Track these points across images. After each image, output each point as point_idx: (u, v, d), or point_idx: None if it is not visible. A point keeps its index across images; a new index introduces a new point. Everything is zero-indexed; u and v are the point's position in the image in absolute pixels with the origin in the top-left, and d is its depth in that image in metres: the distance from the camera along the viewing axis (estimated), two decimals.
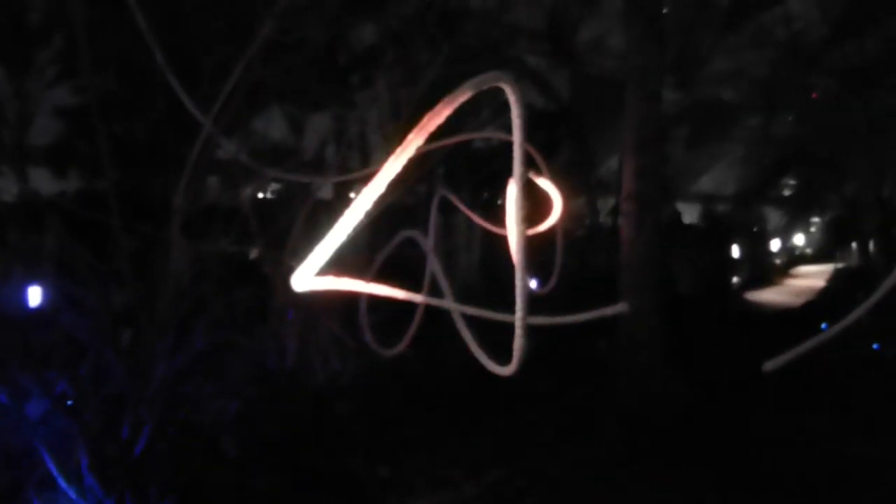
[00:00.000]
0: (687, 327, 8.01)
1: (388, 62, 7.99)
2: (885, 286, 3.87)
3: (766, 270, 13.88)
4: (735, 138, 13.96)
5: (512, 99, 1.85)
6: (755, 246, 14.17)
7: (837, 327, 3.94)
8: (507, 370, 2.14)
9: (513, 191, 2.33)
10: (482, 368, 2.27)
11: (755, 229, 14.55)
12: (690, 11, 11.15)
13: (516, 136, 1.87)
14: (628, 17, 7.10)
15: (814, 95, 11.60)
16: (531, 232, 3.66)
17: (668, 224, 11.43)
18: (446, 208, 5.49)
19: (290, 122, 7.70)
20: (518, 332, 1.99)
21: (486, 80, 1.79)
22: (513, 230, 2.28)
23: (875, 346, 8.48)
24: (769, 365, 3.90)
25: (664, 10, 8.41)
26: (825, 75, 11.04)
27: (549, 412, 6.84)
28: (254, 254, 6.34)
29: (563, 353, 6.93)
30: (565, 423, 6.60)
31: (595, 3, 10.65)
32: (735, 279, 13.50)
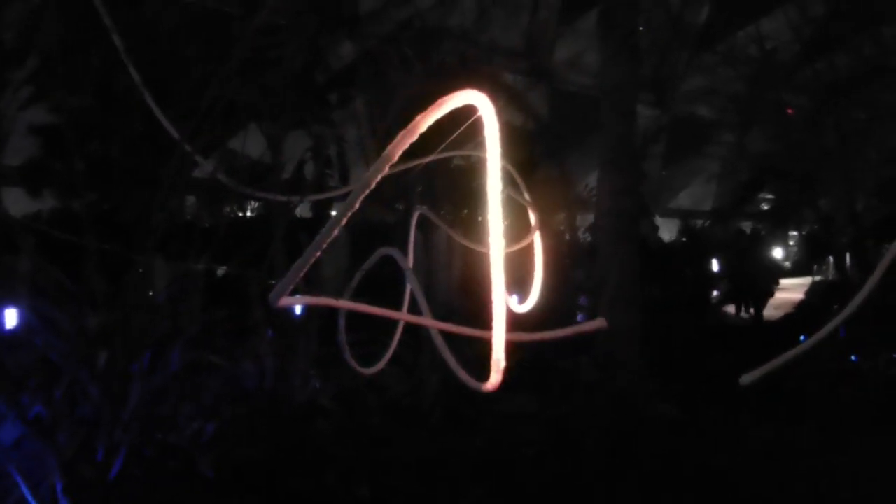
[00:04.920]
0: (665, 342, 8.05)
1: (366, 81, 8.02)
2: (857, 299, 3.90)
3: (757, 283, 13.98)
4: (711, 155, 14.14)
5: (485, 117, 1.87)
6: (740, 260, 14.28)
7: (812, 340, 3.96)
8: (485, 387, 2.14)
9: (489, 208, 2.34)
10: (463, 386, 2.27)
11: (737, 244, 14.68)
12: (665, 30, 11.30)
13: (490, 154, 1.89)
14: (602, 36, 7.18)
15: (789, 111, 11.77)
16: (510, 249, 3.67)
17: (646, 239, 11.51)
18: (426, 226, 5.49)
19: (268, 140, 7.69)
20: (495, 349, 1.99)
21: (459, 98, 1.81)
22: (490, 247, 2.29)
23: (853, 357, 8.56)
24: (745, 378, 3.92)
25: (639, 29, 8.52)
26: (798, 92, 11.22)
27: (529, 430, 6.81)
28: (221, 272, 6.29)
29: (545, 370, 6.93)
30: (547, 441, 6.58)
31: (571, 22, 10.77)
32: (715, 293, 13.62)
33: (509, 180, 4.75)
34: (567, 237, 9.90)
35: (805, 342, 3.85)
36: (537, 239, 3.98)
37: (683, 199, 15.95)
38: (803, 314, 11.17)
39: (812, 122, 10.99)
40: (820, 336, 3.88)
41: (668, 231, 15.44)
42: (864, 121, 10.94)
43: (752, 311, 13.19)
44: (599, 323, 4.38)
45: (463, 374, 2.42)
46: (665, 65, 12.06)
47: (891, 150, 10.67)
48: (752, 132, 12.72)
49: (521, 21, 11.68)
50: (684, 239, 14.34)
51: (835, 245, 12.43)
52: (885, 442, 6.60)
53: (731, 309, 13.79)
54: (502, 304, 1.99)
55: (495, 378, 2.07)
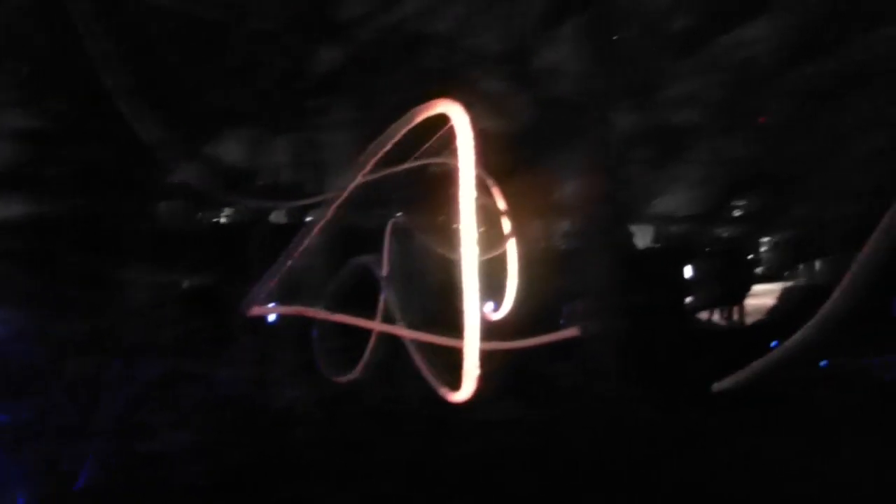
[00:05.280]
0: (648, 348, 8.07)
1: (348, 87, 8.01)
2: (827, 306, 3.95)
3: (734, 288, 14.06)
4: (692, 160, 14.21)
5: (458, 125, 1.88)
6: (720, 266, 14.37)
7: (784, 346, 3.99)
8: (458, 395, 2.15)
9: (462, 215, 2.35)
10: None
11: (717, 249, 14.77)
12: (645, 36, 11.36)
13: (462, 163, 1.90)
14: (582, 42, 7.21)
15: (761, 120, 11.86)
16: (485, 256, 3.67)
17: (626, 245, 11.56)
18: (405, 232, 5.49)
19: (249, 146, 7.66)
20: (468, 357, 1.99)
21: (432, 107, 1.82)
22: (463, 255, 2.31)
23: (823, 363, 8.63)
24: (719, 386, 3.95)
25: (619, 35, 8.58)
26: (780, 98, 11.30)
27: (512, 437, 6.81)
28: (189, 283, 6.26)
29: (528, 376, 6.93)
30: (529, 449, 6.58)
31: (554, 28, 10.80)
32: (691, 299, 13.68)
33: (485, 187, 4.76)
34: (545, 244, 9.93)
35: (777, 349, 3.89)
36: (513, 246, 4.00)
37: (663, 205, 16.01)
38: (776, 320, 11.25)
39: (791, 128, 11.08)
40: (792, 342, 3.93)
41: (646, 236, 15.47)
42: (842, 127, 11.04)
43: (730, 315, 13.27)
44: (576, 331, 4.41)
45: (436, 383, 2.43)
46: (646, 70, 12.12)
47: (867, 157, 10.78)
48: (732, 138, 12.81)
49: (504, 27, 11.71)
50: (664, 244, 14.41)
51: (809, 250, 12.52)
52: (866, 446, 6.64)
53: (710, 314, 13.88)
54: (475, 312, 2.00)
55: (468, 387, 2.08)
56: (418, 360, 2.55)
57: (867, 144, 10.34)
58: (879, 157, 9.71)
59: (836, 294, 3.90)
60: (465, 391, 2.11)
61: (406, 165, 3.77)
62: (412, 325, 2.74)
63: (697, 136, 12.86)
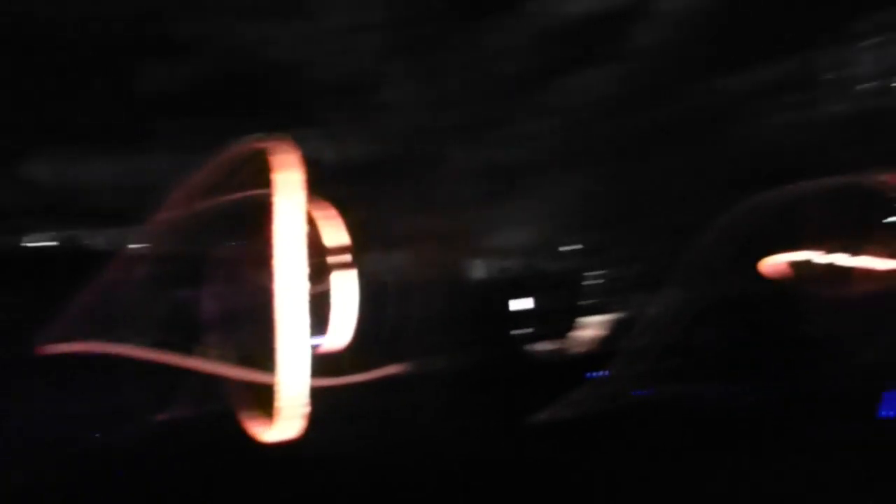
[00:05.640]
0: (476, 381, 8.21)
1: (179, 111, 7.70)
2: (638, 334, 4.22)
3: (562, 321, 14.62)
4: (527, 198, 14.73)
5: (274, 161, 1.86)
6: (552, 298, 14.93)
7: (604, 376, 4.22)
8: (275, 434, 2.08)
9: (276, 247, 2.31)
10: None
11: (552, 281, 15.35)
12: (483, 78, 11.77)
13: (283, 194, 1.86)
14: (418, 79, 7.33)
15: (596, 159, 12.50)
16: (316, 289, 3.61)
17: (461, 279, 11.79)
18: (228, 265, 5.29)
19: (66, 166, 7.15)
20: (286, 395, 1.94)
21: (248, 145, 1.78)
22: (277, 285, 2.25)
23: (645, 392, 9.12)
24: (541, 417, 4.09)
25: (457, 75, 8.82)
26: (609, 142, 11.99)
27: (345, 475, 6.66)
28: None
29: (354, 412, 6.85)
30: (358, 482, 6.47)
31: (393, 64, 10.94)
32: (523, 331, 14.09)
33: (318, 219, 4.71)
34: (380, 278, 9.94)
35: (598, 378, 4.11)
36: (344, 278, 3.97)
37: (501, 239, 16.46)
38: (603, 350, 11.79)
39: (621, 170, 11.77)
40: (614, 371, 4.16)
41: (484, 270, 15.81)
42: (662, 170, 11.82)
43: (561, 346, 13.80)
44: (404, 366, 4.43)
45: (248, 420, 2.34)
46: (483, 108, 12.51)
47: (684, 197, 11.61)
48: (565, 178, 13.41)
49: (346, 60, 11.72)
50: (499, 277, 14.79)
51: (633, 284, 13.31)
52: (682, 469, 7.02)
53: (542, 346, 14.35)
54: (296, 348, 1.95)
55: (287, 426, 2.02)
56: (236, 399, 2.45)
57: (684, 186, 11.19)
58: (695, 198, 10.50)
59: (647, 326, 4.20)
60: (283, 430, 2.04)
61: (233, 196, 3.66)
62: (233, 361, 2.62)
63: (532, 174, 13.42)
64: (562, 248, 15.50)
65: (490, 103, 12.24)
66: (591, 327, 14.87)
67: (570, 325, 14.10)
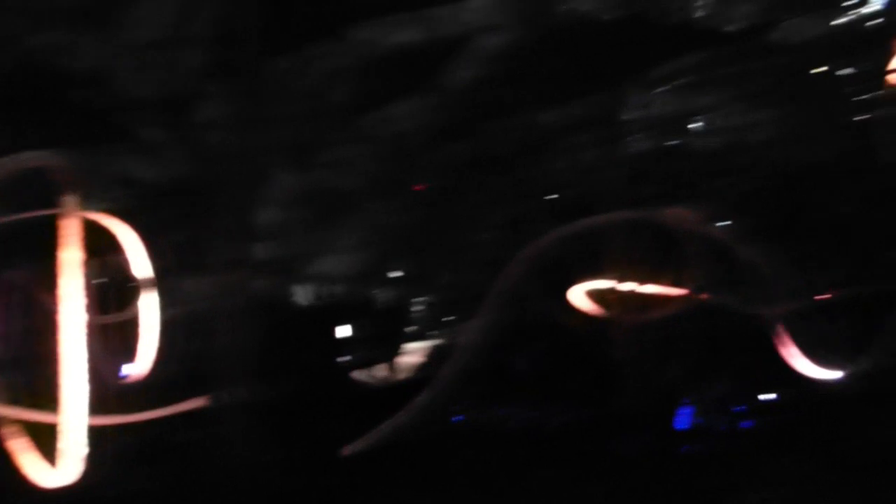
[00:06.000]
0: (289, 412, 8.00)
1: None
2: (455, 360, 4.32)
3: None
4: (349, 224, 14.72)
5: (60, 180, 1.72)
6: (374, 325, 14.94)
7: (412, 407, 4.25)
8: (59, 478, 1.90)
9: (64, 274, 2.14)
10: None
11: (377, 308, 15.35)
12: (304, 101, 11.66)
13: (67, 219, 1.73)
14: (239, 99, 7.13)
15: (416, 188, 12.73)
16: (118, 317, 3.38)
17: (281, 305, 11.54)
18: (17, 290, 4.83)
19: None
20: (66, 435, 1.78)
21: (27, 161, 1.65)
22: (64, 316, 2.08)
23: (457, 418, 9.30)
24: (349, 449, 4.05)
25: (277, 98, 8.67)
26: (427, 171, 12.23)
27: None
28: None
29: (154, 447, 6.44)
30: None
31: (213, 82, 10.58)
32: (346, 358, 14.00)
33: (121, 243, 4.42)
34: (190, 304, 9.48)
35: (407, 409, 4.12)
36: (147, 306, 3.75)
37: (324, 265, 16.31)
38: (423, 377, 11.94)
39: (437, 199, 12.03)
40: (420, 401, 4.20)
41: (307, 296, 15.59)
42: (479, 201, 12.21)
43: (382, 373, 13.82)
44: (208, 399, 4.24)
45: (27, 467, 2.14)
46: (306, 132, 12.38)
47: (500, 229, 12.04)
48: (386, 205, 13.52)
49: (163, 75, 11.19)
50: (321, 304, 14.63)
51: (452, 311, 13.64)
52: (509, 490, 7.18)
53: (364, 373, 14.32)
54: (76, 382, 1.80)
55: (70, 468, 1.86)
56: (12, 440, 2.23)
57: (499, 217, 11.63)
58: (510, 230, 10.94)
59: (463, 352, 4.29)
60: (65, 473, 1.87)
61: (23, 215, 3.37)
62: (8, 399, 2.36)
63: (354, 200, 13.43)
64: (385, 276, 15.62)
65: (313, 127, 12.16)
66: (412, 354, 15.03)
67: (391, 352, 14.17)
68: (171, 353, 5.20)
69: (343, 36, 10.43)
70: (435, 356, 13.84)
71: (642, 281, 6.24)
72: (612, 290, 6.02)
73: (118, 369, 3.69)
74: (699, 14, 9.37)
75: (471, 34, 10.17)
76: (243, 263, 6.95)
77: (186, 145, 11.50)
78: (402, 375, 13.54)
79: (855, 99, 10.24)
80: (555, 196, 9.34)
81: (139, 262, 3.70)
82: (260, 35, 7.28)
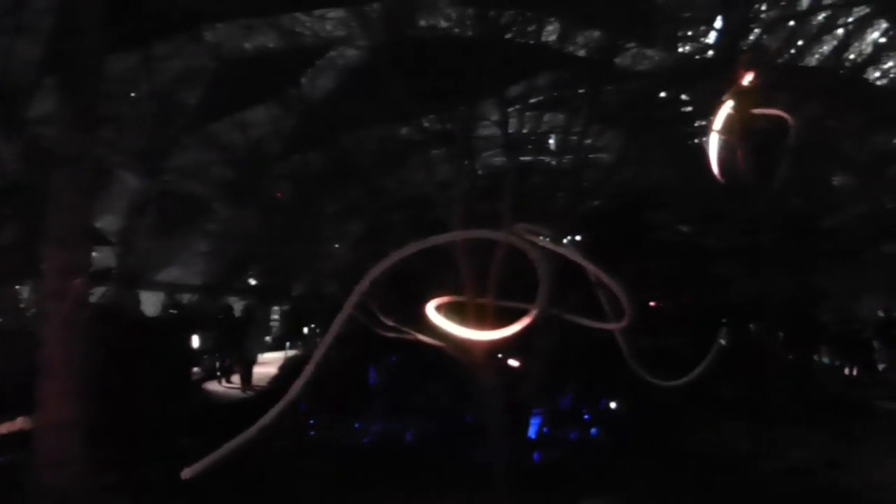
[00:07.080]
0: (126, 430, 7.56)
1: None
2: (308, 373, 4.14)
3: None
4: (203, 231, 14.22)
5: None
6: (230, 335, 14.52)
7: (265, 420, 4.06)
8: None
9: None
10: None
11: (224, 317, 14.89)
12: (151, 106, 11.20)
13: None
14: (59, 104, 6.67)
15: (278, 195, 12.45)
16: None
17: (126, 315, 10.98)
18: None
19: None
20: None
21: None
22: None
23: (311, 432, 9.17)
24: (188, 472, 3.82)
25: (109, 98, 8.19)
26: (278, 180, 12.01)
27: None
28: None
29: None
30: None
31: (45, 73, 9.84)
32: (197, 370, 13.51)
33: None
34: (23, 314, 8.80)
35: (254, 426, 3.94)
36: None
37: (172, 273, 15.65)
38: (276, 388, 11.70)
39: (292, 210, 11.81)
40: (269, 417, 4.03)
41: (154, 304, 14.96)
42: (330, 212, 12.07)
43: (234, 385, 13.47)
44: (22, 422, 3.91)
45: None
46: (155, 138, 11.85)
47: (354, 238, 11.95)
48: (240, 214, 13.17)
49: None
50: (171, 312, 14.08)
51: (307, 322, 13.45)
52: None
53: (217, 385, 13.92)
54: None
55: None
56: None
57: (354, 228, 11.56)
58: (365, 241, 10.89)
59: (316, 364, 4.18)
60: None
61: None
62: None
63: (204, 207, 12.95)
64: (237, 285, 15.17)
65: (161, 131, 11.64)
66: (263, 366, 14.67)
67: (241, 365, 13.79)
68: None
69: (196, 36, 10.02)
70: (290, 368, 13.59)
71: (493, 296, 6.34)
72: (463, 305, 6.09)
73: None
74: (553, 37, 9.72)
75: (329, 45, 10.06)
76: (80, 271, 6.47)
77: (18, 142, 10.66)
78: (251, 389, 13.20)
79: (695, 124, 10.96)
80: (409, 209, 9.39)
81: None
82: (103, 28, 6.81)
